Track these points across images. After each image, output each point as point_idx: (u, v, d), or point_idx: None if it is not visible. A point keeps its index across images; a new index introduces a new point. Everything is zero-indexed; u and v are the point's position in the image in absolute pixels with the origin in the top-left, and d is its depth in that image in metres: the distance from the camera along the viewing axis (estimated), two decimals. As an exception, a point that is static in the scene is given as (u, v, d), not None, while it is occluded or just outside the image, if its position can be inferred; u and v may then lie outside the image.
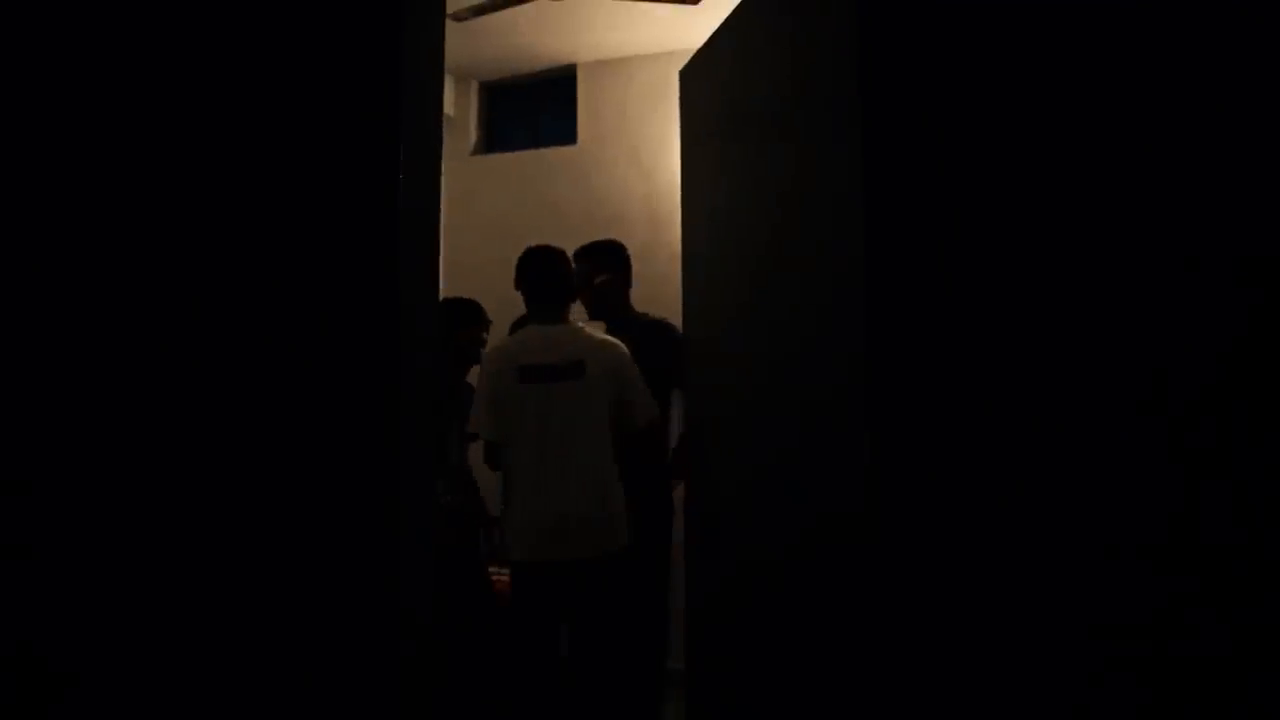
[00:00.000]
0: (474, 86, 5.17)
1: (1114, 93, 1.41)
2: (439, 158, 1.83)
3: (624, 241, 3.59)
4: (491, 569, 3.42)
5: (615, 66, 4.79)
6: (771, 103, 1.95)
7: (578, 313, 3.23)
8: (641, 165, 4.63)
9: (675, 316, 2.79)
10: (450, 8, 3.13)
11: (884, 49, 1.52)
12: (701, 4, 3.81)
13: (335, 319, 1.56)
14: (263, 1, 1.65)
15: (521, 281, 3.08)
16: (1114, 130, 1.41)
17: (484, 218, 4.71)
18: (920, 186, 1.49)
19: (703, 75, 2.34)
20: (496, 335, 3.39)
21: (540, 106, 5.20)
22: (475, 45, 4.48)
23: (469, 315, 3.35)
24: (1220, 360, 1.35)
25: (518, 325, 3.22)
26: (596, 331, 3.08)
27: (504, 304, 3.36)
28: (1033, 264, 1.43)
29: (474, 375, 3.30)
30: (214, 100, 1.64)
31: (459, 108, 5.10)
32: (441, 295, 1.97)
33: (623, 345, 3.00)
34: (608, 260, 3.39)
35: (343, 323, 1.56)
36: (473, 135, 5.15)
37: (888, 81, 1.51)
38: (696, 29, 4.29)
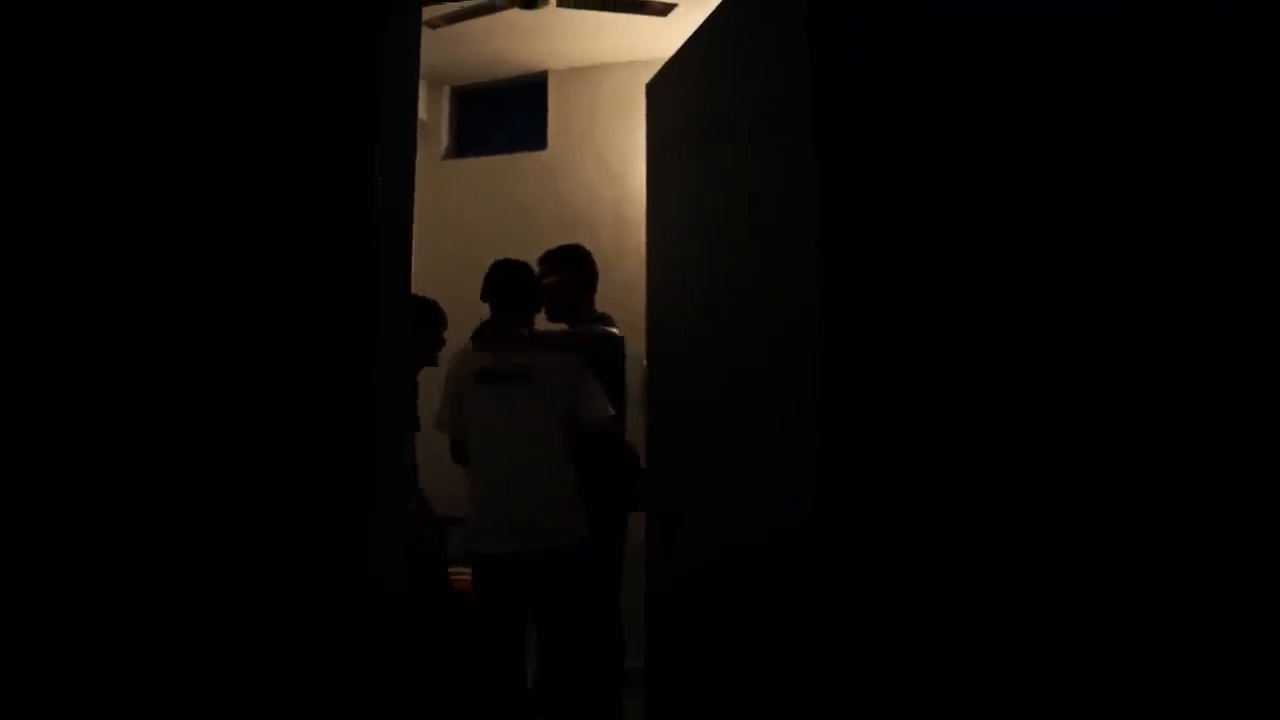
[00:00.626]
0: (446, 92, 5.23)
1: (1045, 106, 1.52)
2: (413, 161, 1.91)
3: (592, 246, 3.66)
4: (454, 569, 3.47)
5: (586, 74, 4.87)
6: (733, 114, 2.04)
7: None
8: (610, 171, 4.71)
9: (642, 321, 2.88)
10: (424, 15, 3.19)
11: (835, 67, 1.62)
12: (670, 16, 3.91)
13: (314, 316, 1.63)
14: (245, 10, 1.71)
15: (488, 293, 3.21)
16: (1048, 139, 1.51)
17: (454, 221, 4.76)
18: (870, 192, 1.58)
19: (669, 88, 2.42)
20: (459, 338, 3.44)
21: (511, 111, 5.26)
22: (448, 51, 4.54)
23: (429, 316, 3.40)
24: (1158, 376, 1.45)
25: (480, 332, 3.27)
26: (563, 347, 3.19)
27: (472, 306, 3.41)
28: (975, 268, 1.53)
29: (424, 375, 3.36)
30: (194, 104, 1.70)
31: (431, 112, 5.15)
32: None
33: (575, 356, 3.14)
34: (560, 263, 3.48)
35: (321, 321, 1.62)
36: (444, 140, 5.20)
37: (839, 95, 1.61)
38: (665, 39, 4.37)
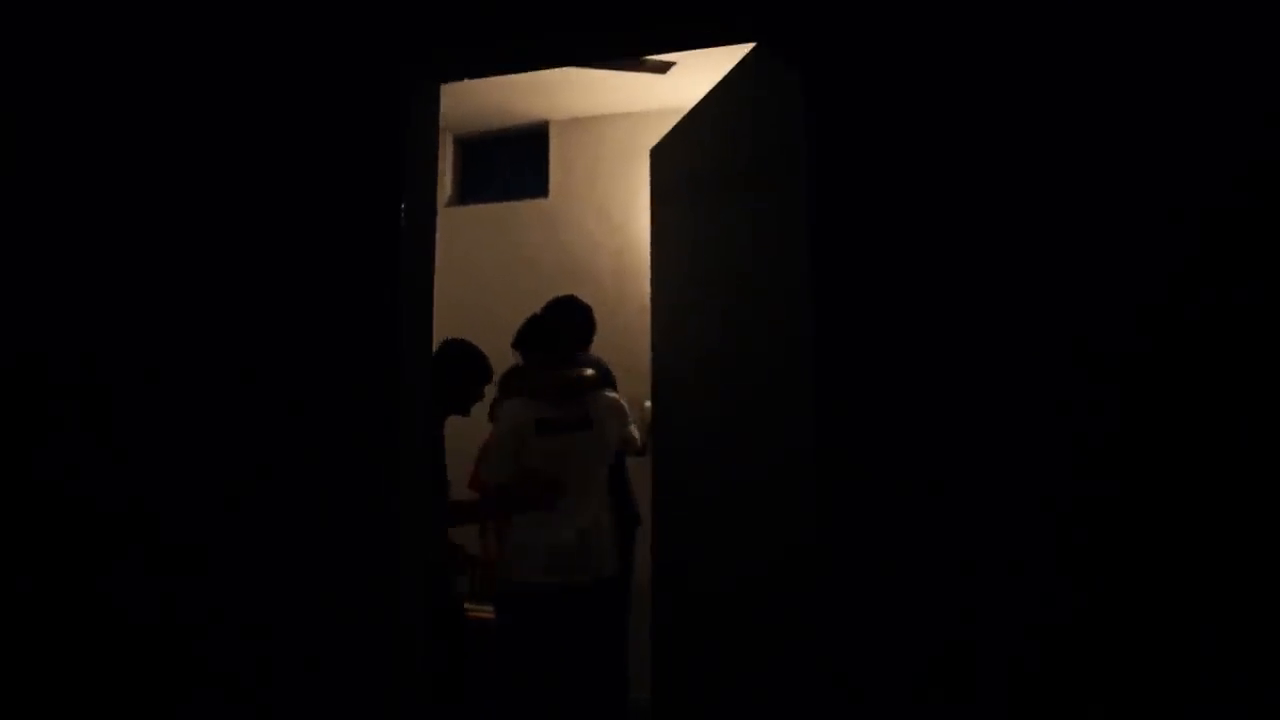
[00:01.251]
0: (449, 139, 5.36)
1: (1019, 149, 1.64)
2: (434, 215, 2.05)
3: (593, 293, 3.78)
4: (467, 605, 3.52)
5: (586, 124, 5.00)
6: (733, 173, 2.17)
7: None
8: (611, 220, 4.81)
9: (643, 365, 2.98)
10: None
11: (827, 133, 1.75)
12: (668, 73, 4.06)
13: (343, 345, 1.76)
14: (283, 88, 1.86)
15: (525, 343, 3.29)
16: (1022, 174, 1.64)
17: (457, 266, 4.84)
18: (860, 239, 1.70)
19: (672, 151, 2.56)
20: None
21: (514, 158, 5.37)
22: (452, 101, 4.64)
23: (481, 370, 3.47)
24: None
25: (528, 382, 3.31)
26: (597, 387, 3.27)
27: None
28: (962, 309, 1.64)
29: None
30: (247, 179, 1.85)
31: (435, 160, 5.26)
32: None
33: (615, 394, 3.29)
34: (558, 312, 3.61)
35: (350, 352, 1.75)
36: (448, 187, 5.32)
37: (830, 157, 1.74)
38: (663, 93, 4.53)
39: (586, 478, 3.12)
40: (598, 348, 3.70)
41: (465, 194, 5.40)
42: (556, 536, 3.01)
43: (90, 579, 1.84)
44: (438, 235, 2.06)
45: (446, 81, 2.04)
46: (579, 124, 5.02)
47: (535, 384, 3.19)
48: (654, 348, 2.68)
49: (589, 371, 3.23)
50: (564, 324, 3.31)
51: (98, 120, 1.97)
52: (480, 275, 4.84)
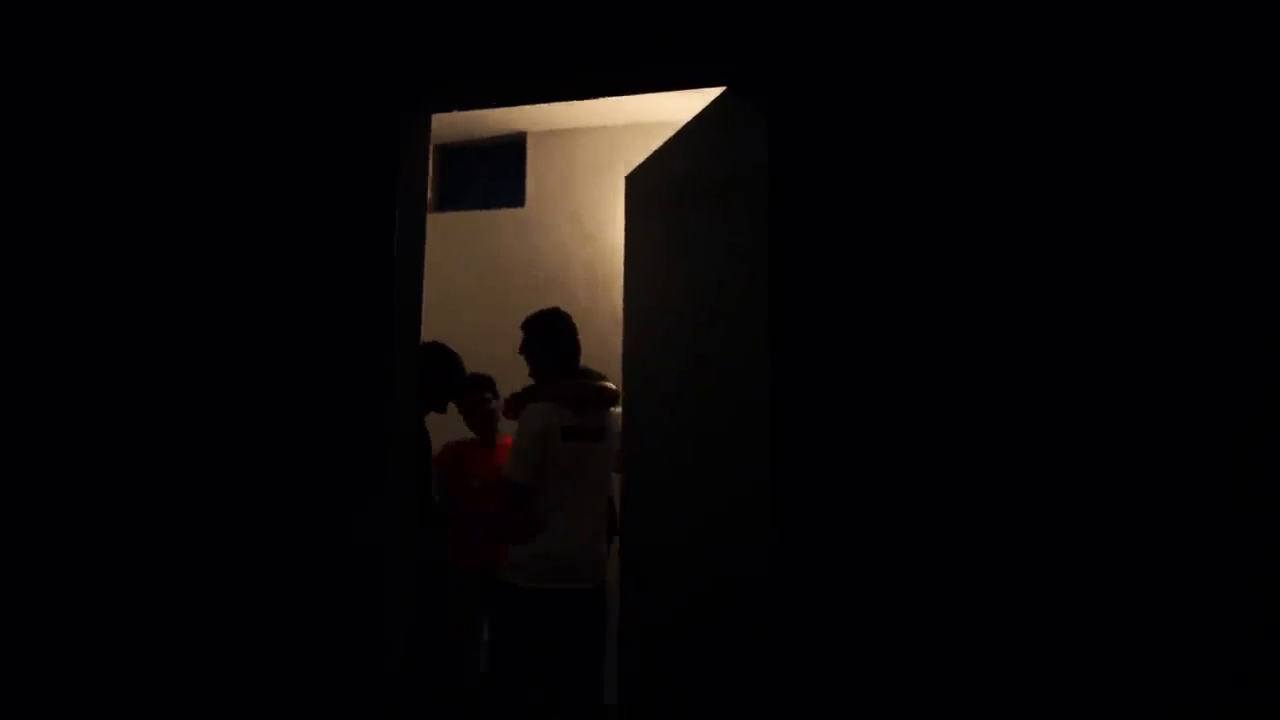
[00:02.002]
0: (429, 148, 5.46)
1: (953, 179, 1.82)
2: (423, 225, 2.21)
3: (567, 302, 3.91)
4: None
5: (562, 137, 5.12)
6: (699, 208, 2.32)
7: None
8: (584, 230, 4.95)
9: (613, 374, 3.12)
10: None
11: (787, 171, 1.91)
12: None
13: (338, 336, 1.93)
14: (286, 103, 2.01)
15: (539, 352, 3.36)
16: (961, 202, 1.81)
17: (432, 272, 4.89)
18: (814, 254, 1.87)
19: (646, 180, 2.71)
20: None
21: (491, 168, 5.46)
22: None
23: (460, 374, 3.62)
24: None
25: (560, 390, 3.33)
26: (610, 400, 3.40)
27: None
28: (913, 316, 1.80)
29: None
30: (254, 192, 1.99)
31: (414, 167, 5.34)
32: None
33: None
34: (563, 323, 3.73)
35: (346, 371, 1.89)
36: (425, 194, 5.41)
37: (789, 193, 1.91)
38: (636, 109, 4.68)
39: (594, 487, 3.24)
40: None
41: (443, 201, 5.48)
42: (560, 544, 3.12)
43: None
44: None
45: (436, 112, 2.19)
46: (555, 136, 5.14)
47: (562, 391, 3.25)
48: (625, 368, 2.79)
49: (610, 384, 3.34)
50: (574, 335, 3.40)
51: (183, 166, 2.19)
52: (455, 281, 4.95)
